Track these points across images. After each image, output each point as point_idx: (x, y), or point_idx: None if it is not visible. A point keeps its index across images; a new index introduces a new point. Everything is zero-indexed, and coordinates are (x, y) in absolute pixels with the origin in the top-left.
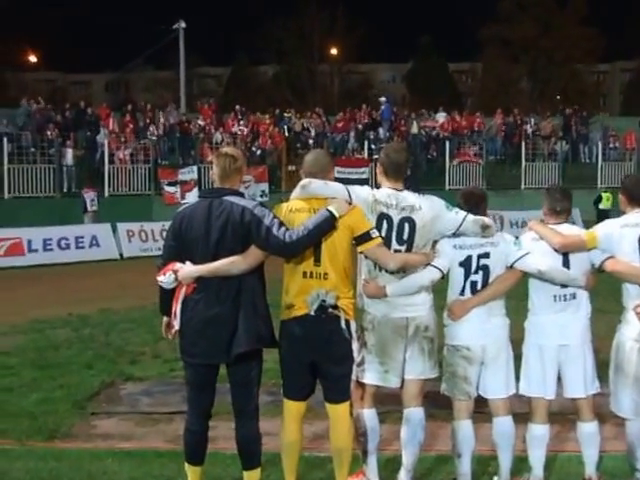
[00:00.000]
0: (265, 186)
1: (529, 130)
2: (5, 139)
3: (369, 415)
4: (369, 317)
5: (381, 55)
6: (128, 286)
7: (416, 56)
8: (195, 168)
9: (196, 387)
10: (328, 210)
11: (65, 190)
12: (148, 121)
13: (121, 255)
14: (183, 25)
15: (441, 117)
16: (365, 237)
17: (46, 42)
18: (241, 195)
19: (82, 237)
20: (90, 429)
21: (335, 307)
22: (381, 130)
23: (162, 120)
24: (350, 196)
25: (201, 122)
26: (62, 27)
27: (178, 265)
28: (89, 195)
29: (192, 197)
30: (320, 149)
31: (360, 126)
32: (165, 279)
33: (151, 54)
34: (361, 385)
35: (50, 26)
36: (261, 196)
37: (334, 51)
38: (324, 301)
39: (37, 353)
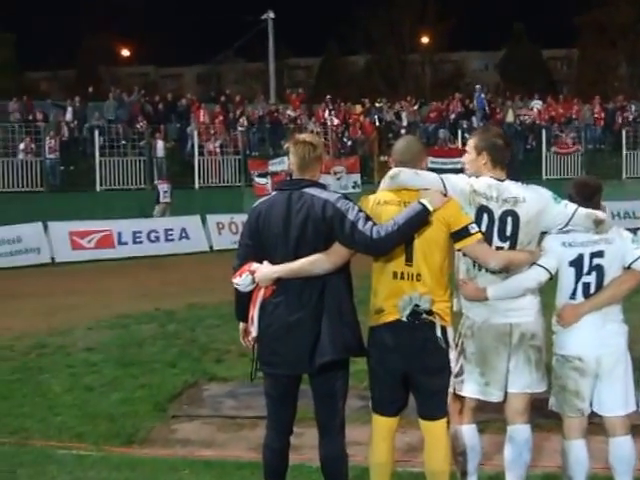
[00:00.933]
0: (357, 177)
1: (630, 117)
2: (97, 132)
3: (468, 432)
4: (468, 322)
5: (473, 43)
6: (217, 280)
7: (509, 43)
8: (286, 159)
9: (276, 400)
10: (420, 203)
11: (155, 182)
12: (238, 112)
13: (211, 247)
14: (272, 15)
15: (537, 105)
16: (463, 232)
17: (139, 37)
18: (322, 187)
19: (171, 230)
20: (169, 434)
21: (430, 312)
22: (474, 119)
23: (252, 111)
24: (445, 187)
25: (291, 112)
26: (154, 21)
27: (255, 265)
28: (162, 187)
29: None
30: (411, 136)
31: (453, 115)
32: (241, 281)
33: (241, 46)
34: (459, 398)
35: (143, 20)
36: (353, 187)
37: (425, 40)
38: (417, 306)
39: (121, 350)
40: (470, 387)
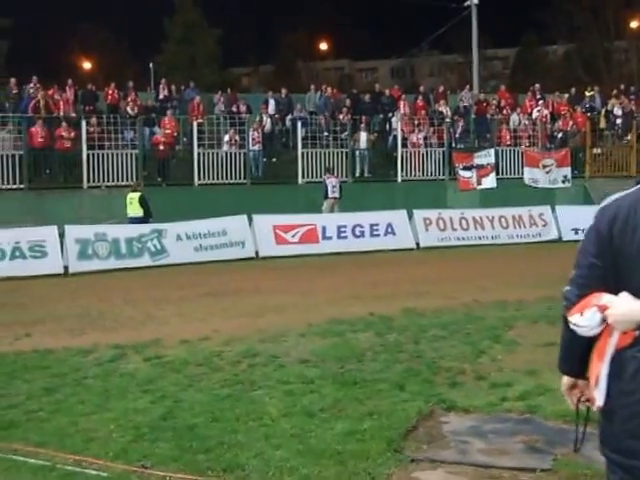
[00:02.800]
0: (567, 171)
1: None
2: (299, 123)
3: None
4: None
5: None
6: (429, 281)
7: None
8: (492, 151)
9: None
10: None
11: (357, 175)
12: (442, 103)
13: (417, 244)
14: (475, 1)
15: None
16: None
17: (335, 32)
18: None
19: (377, 224)
20: None
21: None
22: None
23: (456, 103)
24: None
25: (496, 103)
26: (350, 16)
27: (607, 298)
28: (331, 181)
29: (489, 182)
30: None
31: None
32: (585, 321)
33: (436, 38)
34: None
35: (338, 16)
36: (563, 182)
37: (634, 24)
38: None
39: (338, 363)
40: None
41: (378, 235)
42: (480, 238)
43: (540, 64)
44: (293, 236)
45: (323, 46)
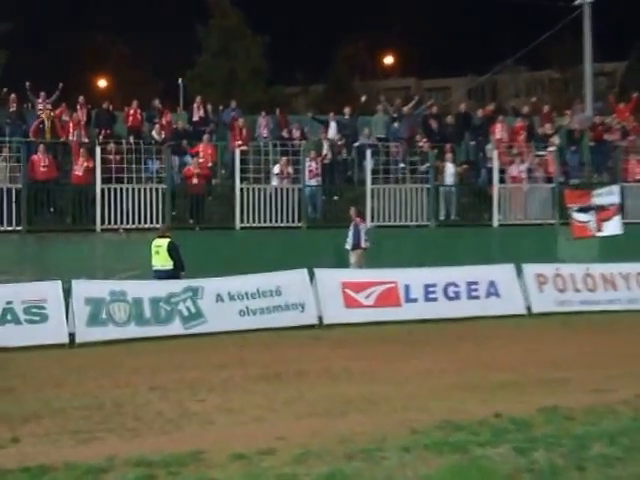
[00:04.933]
0: None
1: None
2: (368, 152)
3: None
4: None
5: None
6: (561, 363)
7: None
8: (616, 189)
9: None
10: None
11: (442, 217)
12: (546, 128)
13: (528, 309)
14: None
15: None
16: None
17: (402, 44)
18: None
19: (475, 283)
20: None
21: None
22: None
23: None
24: None
25: (617, 125)
26: (419, 24)
27: None
28: (363, 226)
29: (613, 228)
30: None
31: None
32: None
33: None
34: None
35: (407, 24)
36: None
37: None
38: None
39: None
40: None
41: (477, 297)
42: (612, 302)
43: None
44: (367, 297)
45: (388, 60)
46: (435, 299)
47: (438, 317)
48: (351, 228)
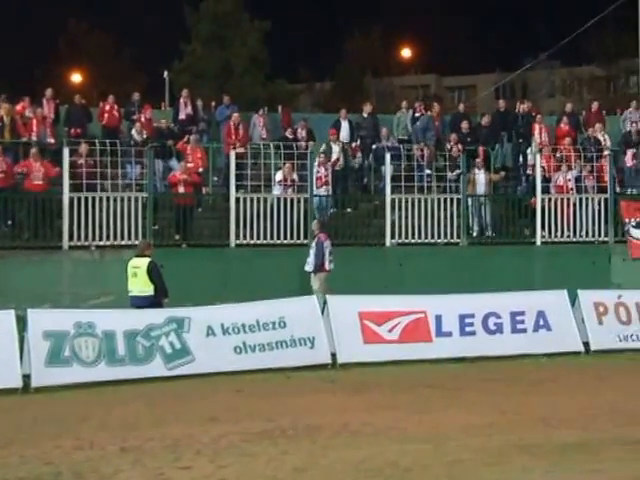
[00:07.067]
0: None
1: None
2: (388, 156)
3: None
4: None
5: None
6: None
7: None
8: None
9: None
10: None
11: (475, 234)
12: (596, 129)
13: (586, 345)
14: None
15: None
16: None
17: (420, 37)
18: None
19: (521, 313)
20: None
21: None
22: None
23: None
24: None
25: None
26: (438, 16)
27: None
28: (327, 245)
29: None
30: None
31: None
32: None
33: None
34: None
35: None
36: None
37: None
38: None
39: None
40: None
41: (524, 330)
42: None
43: None
44: (391, 330)
45: (402, 56)
46: (473, 332)
47: (477, 355)
48: (313, 246)
